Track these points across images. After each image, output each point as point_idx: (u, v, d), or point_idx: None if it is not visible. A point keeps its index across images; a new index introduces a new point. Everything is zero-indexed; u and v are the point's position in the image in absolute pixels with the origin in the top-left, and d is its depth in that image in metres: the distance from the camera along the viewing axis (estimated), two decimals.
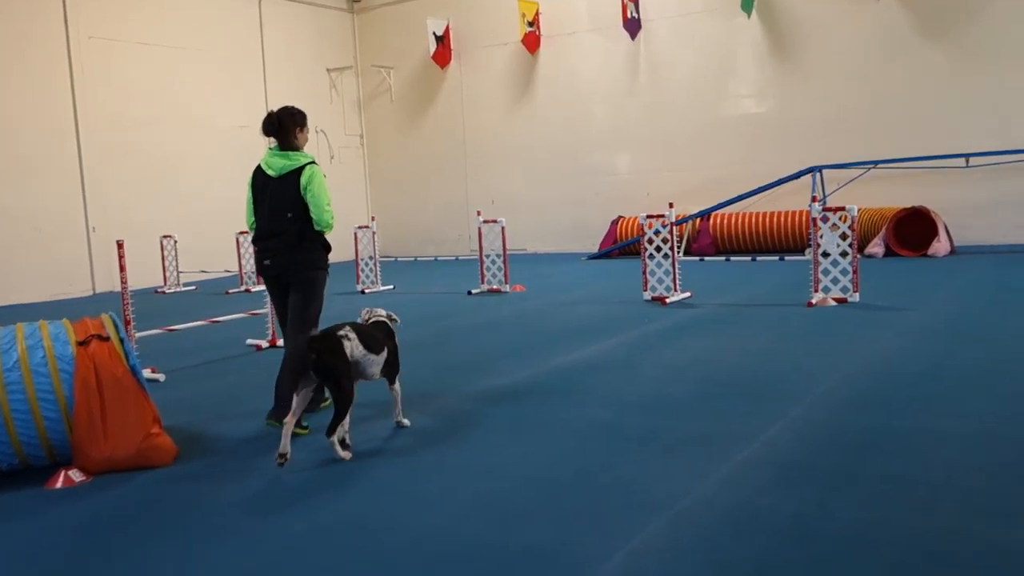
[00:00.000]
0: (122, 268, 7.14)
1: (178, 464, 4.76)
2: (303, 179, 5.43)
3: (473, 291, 11.91)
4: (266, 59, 18.46)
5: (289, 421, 4.62)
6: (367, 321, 5.25)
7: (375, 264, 13.22)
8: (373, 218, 13.78)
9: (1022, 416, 4.77)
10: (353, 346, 4.75)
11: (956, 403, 5.10)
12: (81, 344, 4.68)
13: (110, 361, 4.72)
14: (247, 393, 6.48)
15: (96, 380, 4.63)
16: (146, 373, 7.07)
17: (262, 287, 14.00)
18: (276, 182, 5.49)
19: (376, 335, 5.02)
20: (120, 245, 7.15)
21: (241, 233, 14.13)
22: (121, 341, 4.84)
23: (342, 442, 4.66)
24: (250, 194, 5.64)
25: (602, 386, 6.04)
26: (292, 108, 5.59)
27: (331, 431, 4.57)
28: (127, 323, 7.11)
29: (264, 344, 8.33)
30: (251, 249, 13.82)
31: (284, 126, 5.52)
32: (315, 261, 5.55)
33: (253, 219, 5.65)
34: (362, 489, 4.19)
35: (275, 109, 5.60)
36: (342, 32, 20.35)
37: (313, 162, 5.56)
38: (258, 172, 5.62)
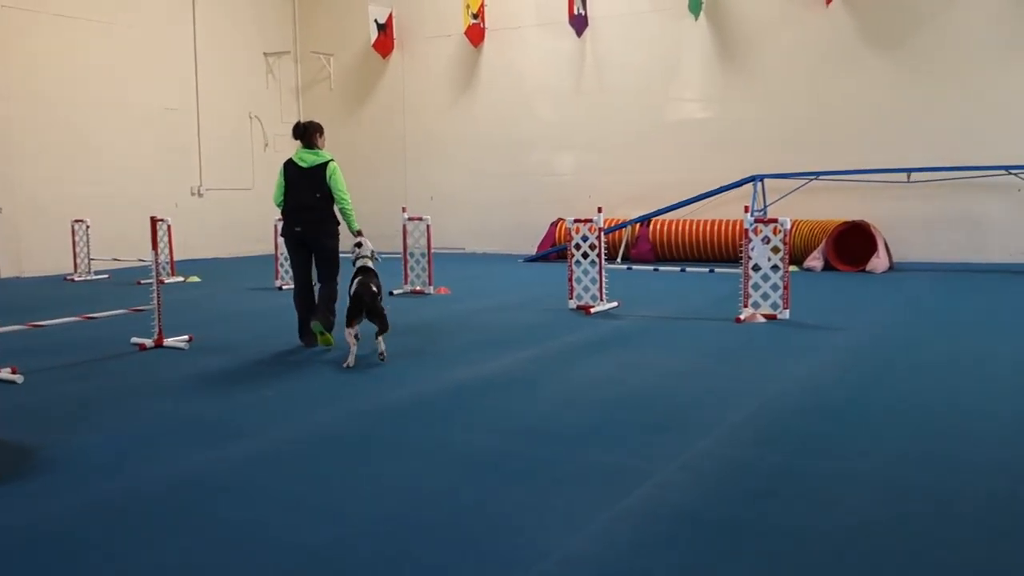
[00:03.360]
0: None
1: None
2: (328, 171, 7.46)
3: (395, 292, 11.31)
4: (197, 39, 17.61)
5: (352, 350, 6.74)
6: (357, 256, 7.31)
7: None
8: None
9: (941, 459, 4.32)
10: (377, 289, 6.97)
11: (873, 441, 4.64)
12: None
13: None
14: (109, 399, 5.84)
15: None
16: (3, 374, 6.42)
17: (175, 278, 13.46)
18: (307, 171, 7.48)
19: (376, 279, 7.10)
20: None
21: (158, 220, 13.36)
22: None
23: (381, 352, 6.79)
24: (282, 179, 7.61)
25: (498, 407, 5.50)
26: (314, 121, 7.75)
27: (380, 335, 6.81)
28: None
29: (148, 343, 7.65)
30: (165, 238, 13.39)
31: (309, 132, 7.58)
32: (333, 230, 7.57)
33: (282, 198, 7.59)
34: (186, 523, 3.59)
35: (303, 120, 7.74)
36: (281, 15, 19.55)
37: (333, 160, 7.57)
38: (290, 164, 7.62)
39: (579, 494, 3.91)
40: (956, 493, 3.86)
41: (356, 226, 7.60)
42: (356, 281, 6.96)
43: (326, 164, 7.46)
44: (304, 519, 3.66)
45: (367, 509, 3.77)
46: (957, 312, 9.33)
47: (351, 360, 6.69)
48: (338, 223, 7.59)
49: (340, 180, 7.47)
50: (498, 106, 17.78)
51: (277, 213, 13.27)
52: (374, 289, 6.90)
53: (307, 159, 7.50)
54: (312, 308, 7.53)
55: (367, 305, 6.75)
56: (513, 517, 3.66)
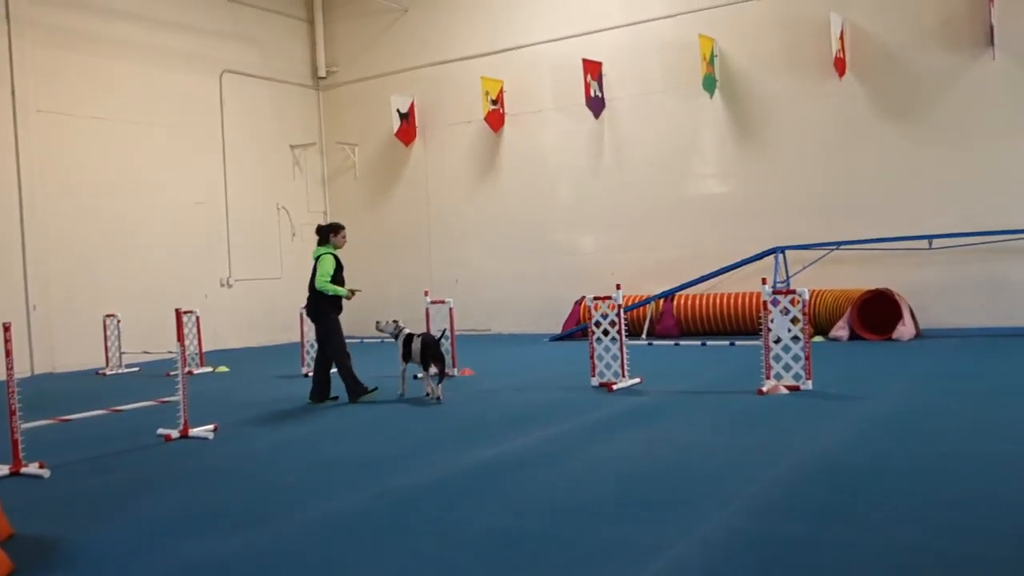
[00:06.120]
0: (7, 353, 6.57)
1: None
2: (315, 259, 9.53)
3: (419, 376, 11.34)
4: (226, 134, 18.19)
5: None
6: (399, 329, 9.67)
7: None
8: None
9: (961, 527, 4.25)
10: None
11: (892, 510, 4.57)
12: None
13: None
14: (129, 491, 5.90)
15: None
16: (32, 468, 6.52)
17: (204, 369, 13.65)
18: (314, 262, 9.58)
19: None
20: (7, 328, 6.59)
21: (186, 312, 13.60)
22: None
23: (438, 395, 9.07)
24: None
25: (515, 486, 5.49)
26: (332, 223, 9.91)
27: (439, 384, 9.10)
28: (12, 413, 6.53)
29: (174, 434, 7.74)
30: (194, 330, 13.63)
31: (324, 233, 9.68)
32: (321, 308, 9.60)
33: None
34: None
35: (323, 223, 10.38)
36: (306, 108, 20.16)
37: (325, 251, 9.54)
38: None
39: (595, 571, 3.88)
40: (981, 564, 3.78)
41: (343, 292, 9.56)
42: (417, 338, 9.23)
43: (320, 256, 9.51)
44: None
45: None
46: (985, 378, 9.20)
47: (436, 393, 9.06)
48: (329, 302, 9.51)
49: (321, 266, 9.39)
50: (520, 188, 18.07)
51: (303, 301, 13.64)
52: (436, 336, 9.29)
53: (315, 252, 9.65)
54: (321, 380, 9.59)
55: (432, 350, 8.95)
56: None
